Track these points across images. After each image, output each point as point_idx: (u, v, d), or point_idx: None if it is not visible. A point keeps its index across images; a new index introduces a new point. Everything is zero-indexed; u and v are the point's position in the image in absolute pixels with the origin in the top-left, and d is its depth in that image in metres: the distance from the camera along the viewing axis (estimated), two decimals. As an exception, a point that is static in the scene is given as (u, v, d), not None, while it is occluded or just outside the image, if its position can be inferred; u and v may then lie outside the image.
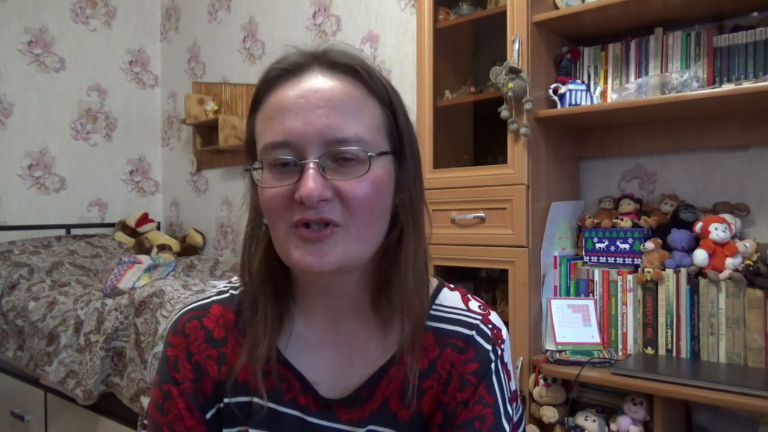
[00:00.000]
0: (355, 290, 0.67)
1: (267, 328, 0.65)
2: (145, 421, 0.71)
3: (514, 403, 0.71)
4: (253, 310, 0.66)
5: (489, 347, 0.67)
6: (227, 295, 0.73)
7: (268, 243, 0.65)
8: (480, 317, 0.69)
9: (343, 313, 0.68)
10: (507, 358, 0.70)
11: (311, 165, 0.58)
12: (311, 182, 0.57)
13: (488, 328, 0.69)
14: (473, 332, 0.68)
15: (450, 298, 0.72)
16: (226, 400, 0.68)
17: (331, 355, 0.68)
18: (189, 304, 0.73)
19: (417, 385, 0.66)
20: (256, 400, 0.67)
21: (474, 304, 0.71)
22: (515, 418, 0.71)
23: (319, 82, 0.60)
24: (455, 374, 0.66)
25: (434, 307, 0.70)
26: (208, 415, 0.69)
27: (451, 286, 0.74)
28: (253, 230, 0.68)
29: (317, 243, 0.59)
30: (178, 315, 0.72)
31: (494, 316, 0.71)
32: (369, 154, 0.59)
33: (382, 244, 0.64)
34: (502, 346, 0.69)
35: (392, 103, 0.65)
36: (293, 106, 0.59)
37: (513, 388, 0.70)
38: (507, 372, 0.69)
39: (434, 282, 0.73)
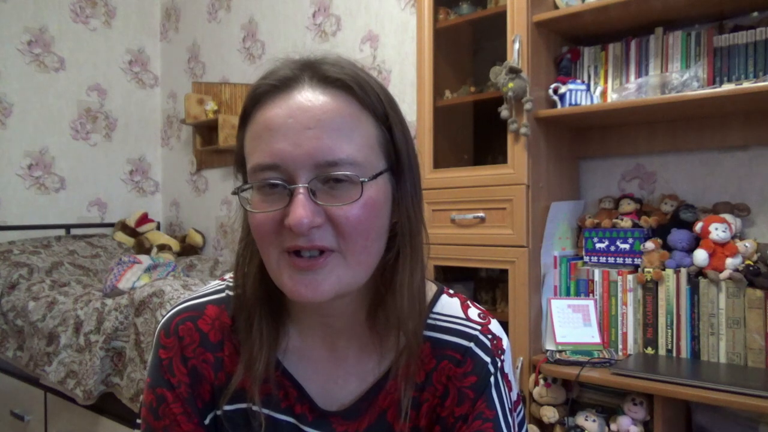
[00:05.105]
0: (351, 310, 0.65)
1: (263, 344, 0.63)
2: (138, 421, 0.70)
3: (515, 413, 0.70)
4: (249, 327, 0.64)
5: (488, 359, 0.66)
6: (223, 295, 0.70)
7: (262, 260, 0.62)
8: (479, 327, 0.68)
9: (338, 330, 0.67)
10: (507, 368, 0.68)
11: (301, 190, 0.55)
12: (300, 209, 0.54)
13: (488, 338, 0.67)
14: (472, 344, 0.66)
15: (449, 305, 0.69)
16: (223, 407, 0.67)
17: (327, 369, 0.67)
18: (181, 303, 0.70)
19: (413, 397, 0.65)
20: (254, 408, 0.65)
21: (473, 312, 0.69)
22: (516, 426, 0.69)
23: (308, 100, 0.56)
24: (452, 388, 0.65)
25: (432, 315, 0.68)
26: (207, 420, 0.68)
27: (451, 291, 0.72)
28: (245, 248, 0.66)
29: (310, 273, 0.56)
30: (169, 315, 0.69)
31: (494, 325, 0.69)
32: (361, 179, 0.56)
33: (379, 263, 0.62)
34: (502, 357, 0.67)
35: (388, 118, 0.61)
36: (282, 127, 0.56)
37: (514, 398, 0.69)
38: (507, 383, 0.68)
39: (433, 288, 0.71)
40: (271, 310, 0.65)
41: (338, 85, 0.58)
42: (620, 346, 1.71)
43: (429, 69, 1.95)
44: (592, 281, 1.78)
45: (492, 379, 0.66)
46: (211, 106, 3.24)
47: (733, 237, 1.61)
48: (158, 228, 3.58)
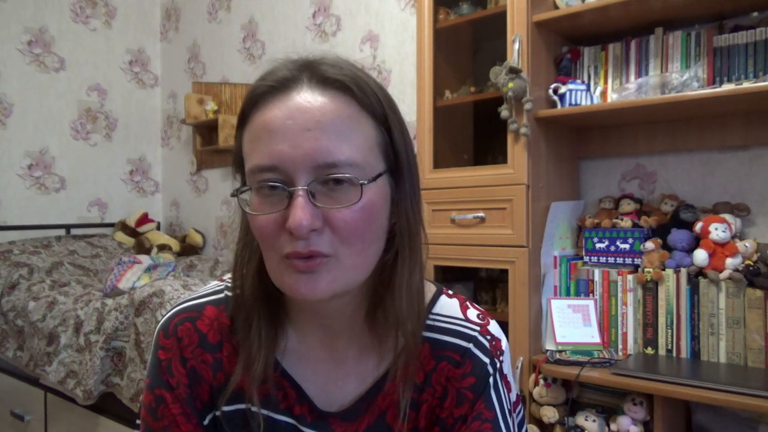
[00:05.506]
0: (350, 310, 0.65)
1: (262, 345, 0.63)
2: (138, 421, 0.70)
3: (515, 414, 0.70)
4: (247, 328, 0.64)
5: (487, 360, 0.66)
6: (222, 295, 0.70)
7: (260, 261, 0.62)
8: (478, 328, 0.68)
9: (337, 331, 0.67)
10: (506, 369, 0.68)
11: (300, 193, 0.55)
12: (300, 212, 0.54)
13: (486, 339, 0.67)
14: (470, 345, 0.66)
15: (448, 306, 0.69)
16: (222, 408, 0.67)
17: (326, 370, 0.67)
18: (180, 304, 0.70)
19: (412, 398, 0.65)
20: (252, 408, 0.65)
21: (472, 313, 0.69)
22: (516, 426, 0.70)
23: (307, 101, 0.56)
24: (451, 389, 0.65)
25: (431, 316, 0.68)
26: (206, 421, 0.68)
27: (450, 292, 0.72)
28: (243, 248, 0.65)
29: (308, 273, 0.56)
30: (168, 315, 0.69)
31: (493, 326, 0.69)
32: (361, 182, 0.56)
33: (377, 264, 0.62)
34: (501, 358, 0.67)
35: (387, 119, 0.60)
36: (281, 128, 0.56)
37: (513, 399, 0.69)
38: (506, 384, 0.68)
39: (432, 288, 0.71)
40: (269, 310, 0.65)
41: (337, 86, 0.57)
42: (620, 346, 1.71)
43: (429, 69, 1.95)
44: (592, 281, 1.78)
45: (491, 380, 0.66)
46: (211, 106, 3.24)
47: (733, 237, 1.61)
48: (158, 228, 3.58)
